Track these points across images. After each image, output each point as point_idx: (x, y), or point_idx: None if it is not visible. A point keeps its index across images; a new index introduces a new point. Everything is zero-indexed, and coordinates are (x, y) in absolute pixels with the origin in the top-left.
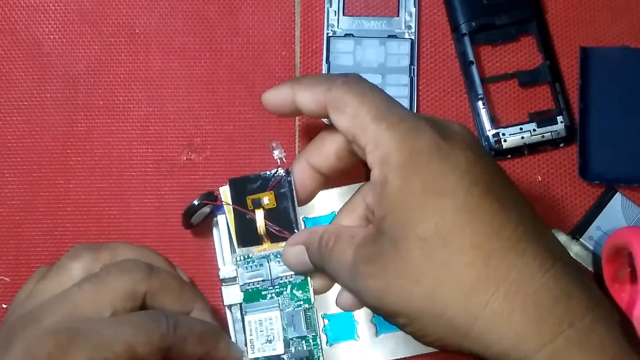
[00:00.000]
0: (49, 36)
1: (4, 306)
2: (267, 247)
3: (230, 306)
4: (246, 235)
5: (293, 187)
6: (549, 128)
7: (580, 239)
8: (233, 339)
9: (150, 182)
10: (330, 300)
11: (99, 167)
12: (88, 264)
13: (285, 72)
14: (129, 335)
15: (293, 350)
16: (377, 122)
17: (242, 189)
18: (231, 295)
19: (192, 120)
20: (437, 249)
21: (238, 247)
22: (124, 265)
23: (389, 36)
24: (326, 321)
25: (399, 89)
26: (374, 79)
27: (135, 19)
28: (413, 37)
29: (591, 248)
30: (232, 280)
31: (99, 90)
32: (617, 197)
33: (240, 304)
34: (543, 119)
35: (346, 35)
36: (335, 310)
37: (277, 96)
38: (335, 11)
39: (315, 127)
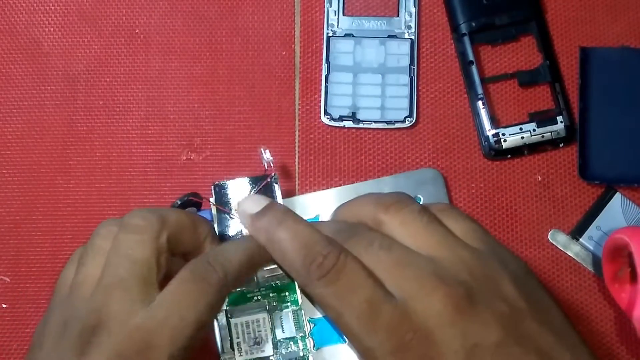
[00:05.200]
0: (49, 36)
1: (4, 306)
2: None
3: None
4: (227, 240)
5: (279, 191)
6: (549, 128)
7: (580, 239)
8: (219, 346)
9: (150, 182)
10: None
11: (99, 167)
12: None
13: (285, 72)
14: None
15: (283, 352)
16: None
17: (227, 193)
18: None
19: (192, 120)
20: None
21: None
22: (135, 229)
23: (389, 36)
24: (312, 325)
25: (399, 89)
26: (374, 79)
27: (135, 19)
28: (413, 37)
29: (591, 248)
30: None
31: (99, 90)
32: (617, 197)
33: (226, 310)
34: (543, 118)
35: (346, 35)
36: (322, 313)
37: None
38: (335, 11)
39: (315, 127)
